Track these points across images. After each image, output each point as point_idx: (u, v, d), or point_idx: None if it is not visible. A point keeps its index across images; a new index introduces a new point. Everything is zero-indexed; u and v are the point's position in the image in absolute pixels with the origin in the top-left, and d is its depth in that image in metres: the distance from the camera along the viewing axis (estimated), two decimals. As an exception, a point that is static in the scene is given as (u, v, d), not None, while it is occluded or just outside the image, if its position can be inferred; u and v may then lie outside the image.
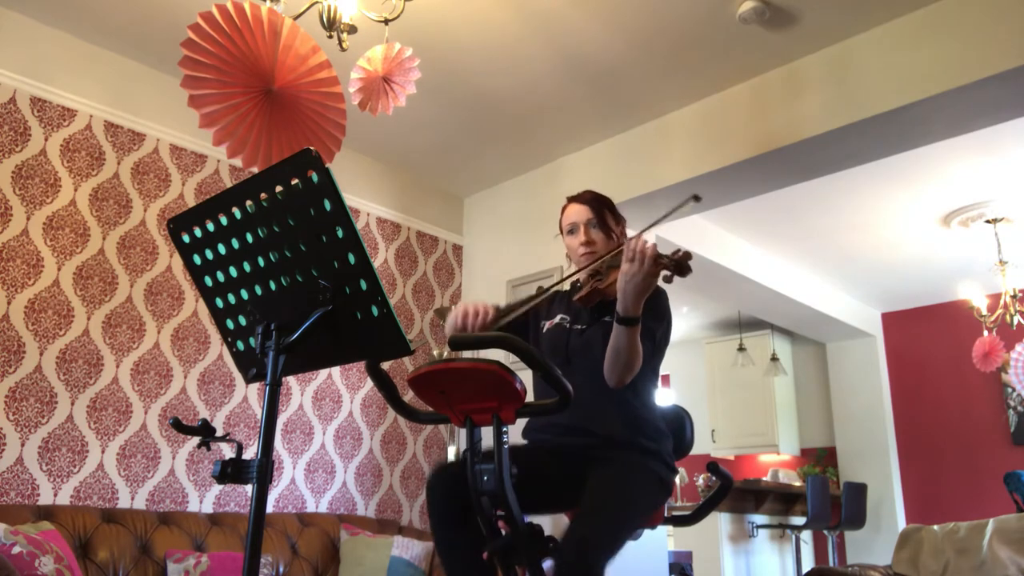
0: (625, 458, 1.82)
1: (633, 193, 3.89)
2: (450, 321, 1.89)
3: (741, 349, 7.03)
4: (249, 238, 1.32)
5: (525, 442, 2.00)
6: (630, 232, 2.09)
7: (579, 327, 1.97)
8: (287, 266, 1.29)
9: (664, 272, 1.64)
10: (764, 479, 6.32)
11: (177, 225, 1.40)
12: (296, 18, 2.22)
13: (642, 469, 1.82)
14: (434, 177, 4.62)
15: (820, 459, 6.96)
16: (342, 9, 2.32)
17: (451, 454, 4.32)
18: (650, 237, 4.07)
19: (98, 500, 2.99)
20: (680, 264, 1.61)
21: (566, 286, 2.16)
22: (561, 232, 2.10)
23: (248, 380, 1.37)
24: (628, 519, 1.72)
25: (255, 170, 2.32)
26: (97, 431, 3.04)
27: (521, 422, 1.79)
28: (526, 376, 1.68)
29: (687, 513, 1.99)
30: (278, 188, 1.25)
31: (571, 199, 2.10)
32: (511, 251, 4.48)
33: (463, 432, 1.58)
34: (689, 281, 6.22)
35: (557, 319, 2.03)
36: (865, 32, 3.23)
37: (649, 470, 1.83)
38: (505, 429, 1.54)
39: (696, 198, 1.93)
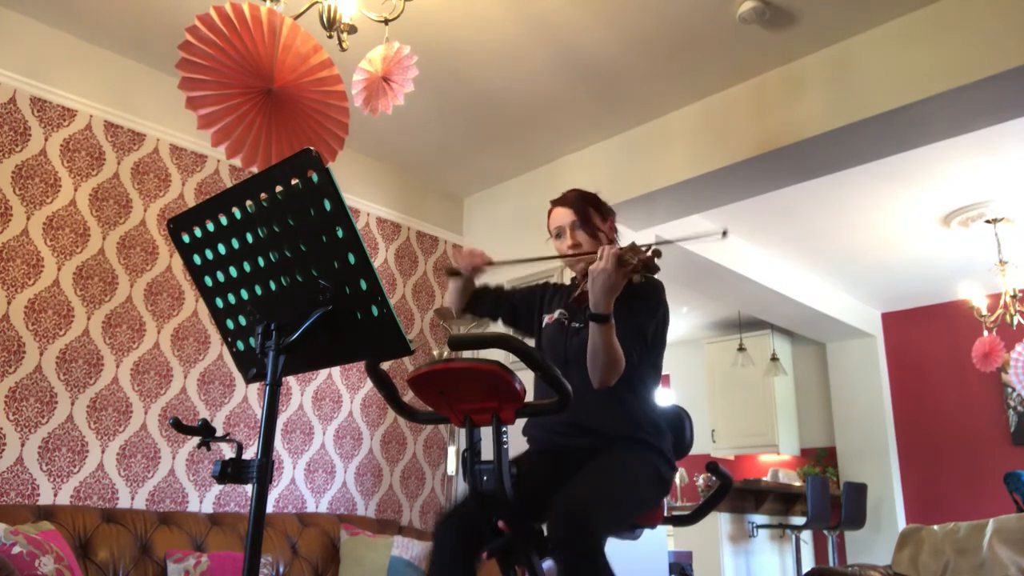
0: (624, 448, 1.83)
1: (633, 193, 3.89)
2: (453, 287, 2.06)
3: (741, 349, 7.03)
4: (249, 238, 1.32)
5: (527, 448, 2.00)
6: (626, 214, 2.10)
7: (576, 325, 1.97)
8: (287, 266, 1.30)
9: (634, 275, 1.67)
10: (764, 479, 6.32)
11: (177, 225, 1.41)
12: (296, 18, 2.22)
13: (641, 458, 1.82)
14: (434, 177, 4.62)
15: (820, 459, 6.96)
16: (342, 9, 2.32)
17: (451, 454, 4.32)
18: (649, 238, 4.08)
19: (98, 500, 2.99)
20: (648, 264, 1.65)
21: (566, 280, 2.16)
22: (551, 236, 2.11)
23: (248, 380, 1.38)
24: (626, 491, 1.71)
25: (255, 170, 2.32)
26: (97, 431, 3.04)
27: (521, 422, 1.79)
28: (526, 376, 1.68)
29: (687, 513, 1.99)
30: (278, 188, 1.25)
31: (554, 202, 2.11)
32: (511, 251, 4.45)
33: (463, 432, 1.58)
34: (689, 281, 6.18)
35: (556, 314, 2.04)
36: (865, 32, 3.23)
37: (648, 461, 1.83)
38: (505, 429, 1.54)
39: (724, 234, 1.98)
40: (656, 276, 1.83)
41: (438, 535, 1.73)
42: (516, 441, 1.86)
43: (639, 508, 1.80)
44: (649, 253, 1.66)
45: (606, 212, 2.09)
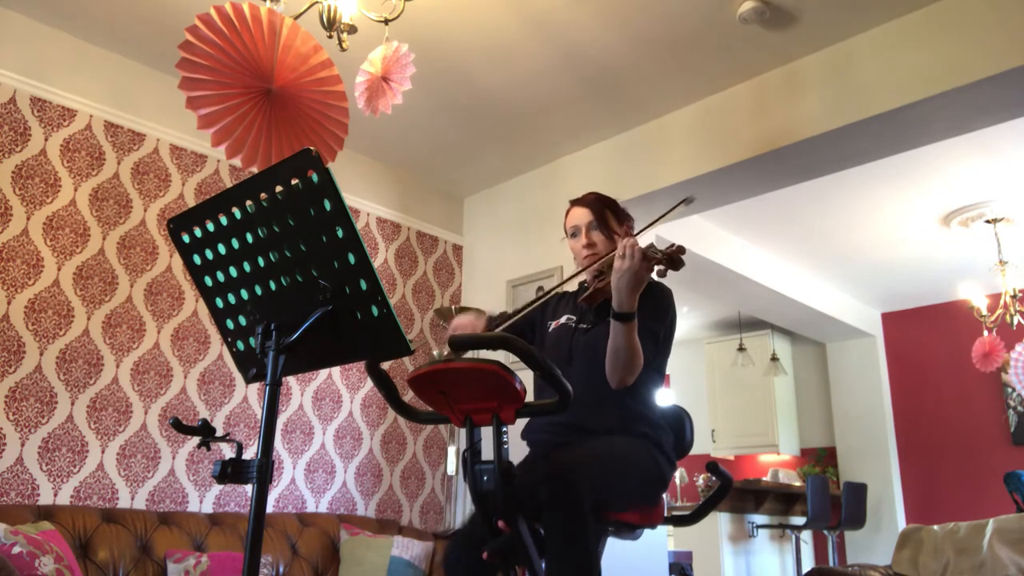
0: (623, 435, 1.83)
1: (633, 193, 3.89)
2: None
3: (741, 349, 7.04)
4: (249, 238, 1.32)
5: (527, 451, 2.00)
6: (651, 237, 2.10)
7: (584, 326, 1.98)
8: (287, 266, 1.29)
9: (657, 267, 1.68)
10: (764, 479, 6.32)
11: (177, 225, 1.41)
12: (296, 18, 2.22)
13: (639, 442, 1.83)
14: (434, 177, 4.62)
15: (820, 459, 6.96)
16: (342, 9, 2.32)
17: (451, 454, 4.32)
18: (648, 237, 4.09)
19: (98, 500, 2.99)
20: (672, 258, 1.66)
21: (573, 287, 2.17)
22: (566, 235, 2.12)
23: (248, 380, 1.37)
24: (618, 460, 1.72)
25: (255, 170, 2.32)
26: (97, 431, 3.04)
27: (521, 422, 1.79)
28: (526, 376, 1.68)
29: (687, 513, 1.99)
30: (278, 188, 1.25)
31: (573, 202, 2.13)
32: (511, 251, 4.48)
33: (463, 432, 1.58)
34: (689, 281, 6.19)
35: (563, 319, 2.05)
36: (865, 32, 3.23)
37: (646, 448, 1.84)
38: (505, 429, 1.54)
39: (688, 200, 1.96)
40: (657, 276, 1.83)
41: (450, 563, 1.75)
42: (516, 442, 1.86)
43: (631, 484, 1.79)
44: (673, 248, 1.67)
45: (623, 217, 2.11)
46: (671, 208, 1.92)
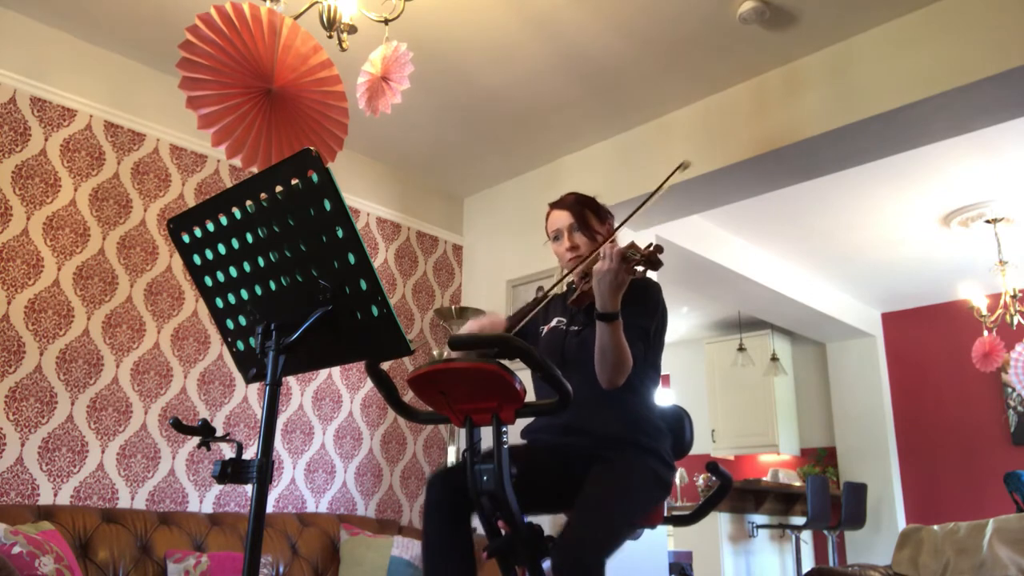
0: (623, 456, 1.82)
1: (633, 193, 3.89)
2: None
3: (741, 349, 7.03)
4: (249, 238, 1.32)
5: (524, 442, 2.00)
6: (626, 214, 2.10)
7: (575, 328, 1.98)
8: (287, 266, 1.30)
9: (637, 268, 1.70)
10: (764, 479, 6.32)
11: (177, 225, 1.41)
12: (296, 18, 2.22)
13: (639, 466, 1.82)
14: (434, 177, 4.62)
15: (820, 459, 6.96)
16: (342, 9, 2.32)
17: (451, 454, 4.32)
18: (645, 230, 4.09)
19: (98, 500, 2.99)
20: (650, 258, 1.69)
21: (562, 288, 2.17)
22: (548, 238, 2.12)
23: (248, 380, 1.38)
24: (625, 515, 1.73)
25: (255, 170, 2.32)
26: (97, 431, 3.04)
27: (521, 422, 1.79)
28: (526, 376, 1.68)
29: (687, 513, 1.99)
30: (278, 188, 1.25)
31: (552, 205, 2.12)
32: (511, 251, 4.48)
33: (463, 432, 1.58)
34: (689, 281, 6.16)
35: (554, 322, 2.05)
36: (865, 32, 3.23)
37: (647, 467, 1.83)
38: (505, 429, 1.54)
39: (684, 165, 1.97)
40: (656, 276, 1.84)
41: (431, 493, 1.74)
42: (516, 441, 1.86)
43: (640, 524, 1.81)
44: (651, 248, 1.69)
45: (604, 214, 2.10)
46: (668, 176, 1.93)
